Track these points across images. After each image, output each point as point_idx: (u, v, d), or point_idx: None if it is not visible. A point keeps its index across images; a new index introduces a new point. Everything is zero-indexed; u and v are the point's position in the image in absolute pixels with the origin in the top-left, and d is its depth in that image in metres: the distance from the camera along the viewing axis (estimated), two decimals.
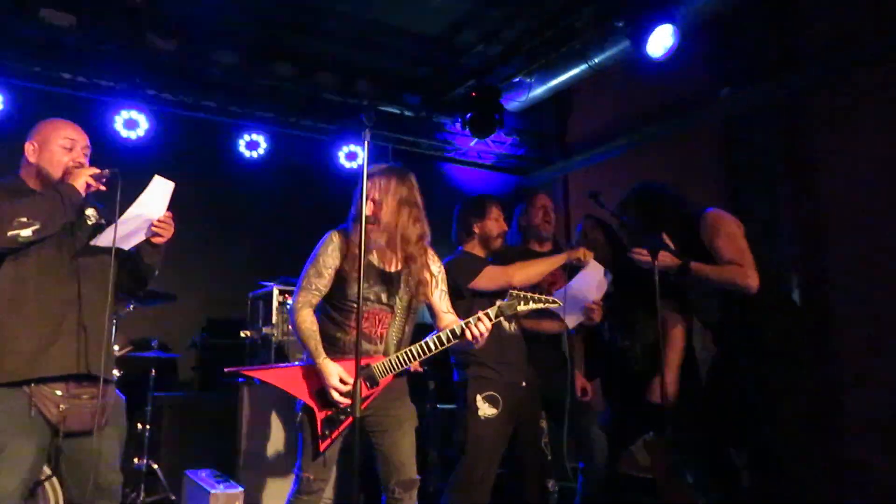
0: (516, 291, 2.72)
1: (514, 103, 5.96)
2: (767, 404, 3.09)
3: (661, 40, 4.43)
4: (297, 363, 2.76)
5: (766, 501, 3.05)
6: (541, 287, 3.67)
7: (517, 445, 3.34)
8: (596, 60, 5.12)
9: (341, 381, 2.59)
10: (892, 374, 4.01)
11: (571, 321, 3.43)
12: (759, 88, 4.67)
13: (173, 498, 4.30)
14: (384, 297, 2.74)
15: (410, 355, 2.65)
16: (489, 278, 3.29)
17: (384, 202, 2.70)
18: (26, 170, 2.53)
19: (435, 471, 4.63)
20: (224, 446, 4.48)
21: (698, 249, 3.17)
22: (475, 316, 2.62)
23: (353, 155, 5.94)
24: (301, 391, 2.68)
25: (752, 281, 3.04)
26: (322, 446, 2.65)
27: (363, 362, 2.60)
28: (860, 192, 4.21)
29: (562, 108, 6.54)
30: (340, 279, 2.70)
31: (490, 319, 2.63)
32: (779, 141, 4.63)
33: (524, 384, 3.35)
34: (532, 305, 2.70)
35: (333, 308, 2.76)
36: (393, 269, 2.77)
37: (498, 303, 2.68)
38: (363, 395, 2.56)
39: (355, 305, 2.56)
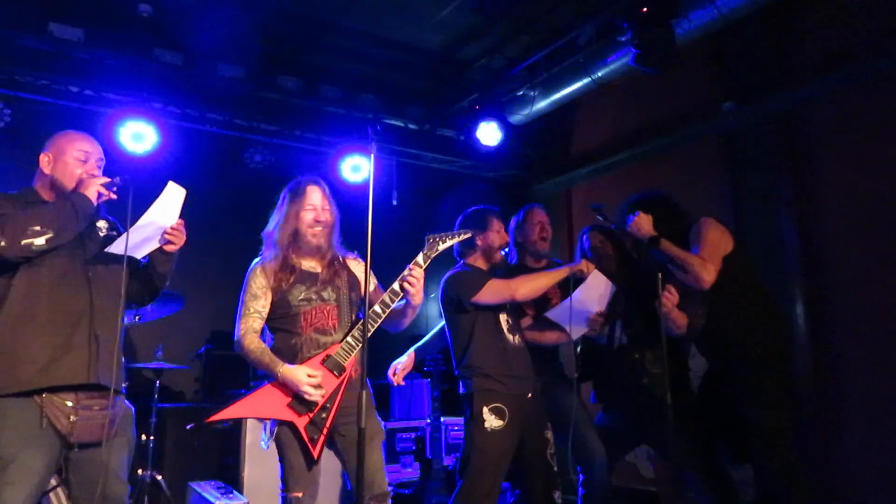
0: (430, 236, 2.91)
1: (517, 116, 5.99)
2: (755, 417, 3.11)
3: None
4: (256, 388, 2.77)
5: None
6: (524, 308, 3.68)
7: (524, 457, 3.33)
8: (599, 74, 5.15)
9: (309, 375, 2.65)
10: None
11: (575, 332, 3.44)
12: (762, 102, 4.69)
13: None
14: (325, 295, 2.85)
15: (371, 321, 2.73)
16: (492, 292, 3.31)
17: (284, 203, 2.95)
18: (41, 181, 2.57)
19: (438, 483, 4.62)
20: (228, 458, 4.49)
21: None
22: (407, 269, 2.78)
23: (357, 167, 5.97)
24: (274, 410, 2.69)
25: (707, 275, 3.13)
26: (315, 453, 2.67)
27: (324, 355, 2.73)
28: (863, 205, 4.22)
29: (565, 121, 6.57)
30: (278, 296, 2.81)
31: (420, 266, 2.80)
32: (781, 154, 4.64)
33: (530, 396, 3.36)
34: (448, 242, 2.91)
35: (281, 320, 2.83)
36: (319, 270, 2.90)
37: (420, 254, 2.85)
38: (335, 385, 2.70)
39: (301, 307, 2.77)
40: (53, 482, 2.95)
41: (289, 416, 2.69)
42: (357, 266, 3.02)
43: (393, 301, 2.77)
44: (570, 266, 3.42)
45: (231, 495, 3.82)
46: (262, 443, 2.77)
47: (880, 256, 4.11)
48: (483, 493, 3.19)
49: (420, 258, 2.84)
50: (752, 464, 3.31)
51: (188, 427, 4.40)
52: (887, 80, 4.13)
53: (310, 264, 2.90)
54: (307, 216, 2.89)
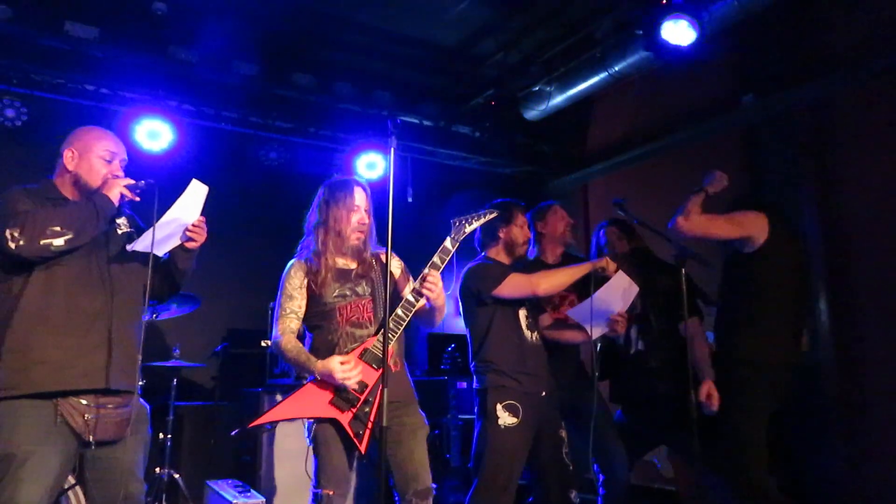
0: (456, 219, 2.86)
1: (533, 112, 5.94)
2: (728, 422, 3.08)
3: (677, 36, 4.33)
4: (297, 388, 2.75)
5: None
6: (552, 302, 3.64)
7: (539, 455, 3.30)
8: (616, 68, 5.09)
9: (342, 363, 2.63)
10: None
11: (595, 332, 3.40)
12: (783, 95, 4.61)
13: None
14: (359, 290, 2.83)
15: (398, 318, 2.71)
16: (513, 286, 3.26)
17: (329, 204, 2.88)
18: (62, 177, 2.53)
19: (455, 481, 4.59)
20: (245, 456, 4.49)
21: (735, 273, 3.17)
22: (420, 277, 2.75)
23: (372, 164, 5.94)
24: (317, 408, 2.68)
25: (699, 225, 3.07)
26: (362, 447, 2.64)
27: (360, 349, 2.72)
28: (886, 199, 4.14)
29: (581, 116, 6.51)
30: (314, 294, 2.80)
31: (438, 267, 2.77)
32: (803, 149, 4.57)
33: (544, 394, 3.32)
34: (475, 224, 2.87)
35: (318, 318, 2.81)
36: (357, 267, 2.88)
37: (447, 239, 2.81)
38: (376, 378, 2.66)
39: (336, 302, 2.77)
40: (71, 480, 2.95)
41: (332, 413, 2.67)
42: (392, 263, 2.95)
43: (416, 301, 2.74)
44: (592, 262, 3.38)
45: (248, 494, 3.81)
46: (308, 440, 2.75)
47: None
48: (498, 490, 3.16)
49: (448, 242, 2.81)
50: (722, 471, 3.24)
51: (232, 433, 4.32)
52: None
53: (344, 261, 2.88)
54: (353, 218, 2.86)
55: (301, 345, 2.76)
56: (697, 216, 3.06)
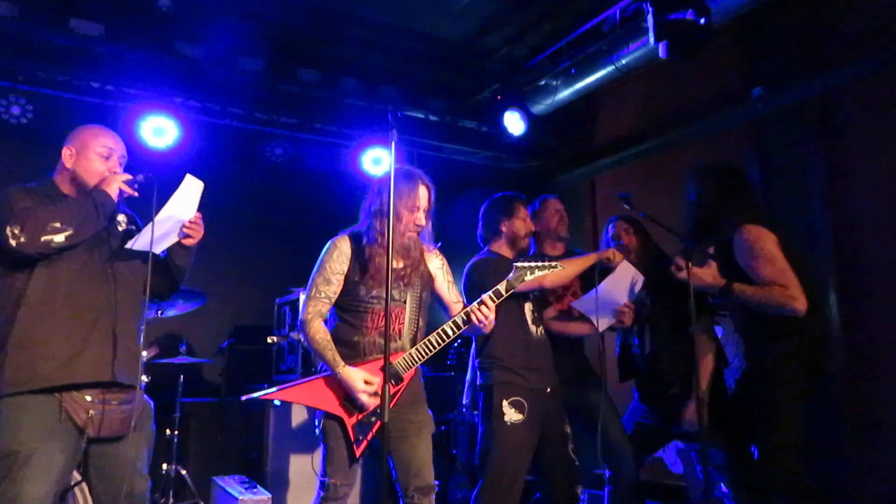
0: (521, 263, 2.81)
1: (539, 106, 5.90)
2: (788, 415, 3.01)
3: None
4: (314, 377, 2.76)
5: None
6: (556, 293, 3.61)
7: (545, 451, 3.29)
8: (623, 62, 5.04)
9: (366, 382, 2.63)
10: None
11: (602, 324, 3.37)
12: (793, 87, 4.56)
13: (201, 503, 4.32)
14: (396, 294, 2.76)
15: (429, 346, 2.71)
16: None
17: (391, 208, 2.72)
18: (61, 175, 2.55)
19: (462, 477, 4.58)
20: (252, 452, 4.49)
21: (732, 265, 3.08)
22: (478, 300, 2.71)
23: (378, 160, 5.92)
24: (326, 403, 2.69)
25: (799, 304, 2.93)
26: (358, 452, 2.67)
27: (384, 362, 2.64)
28: (893, 191, 4.09)
29: (589, 110, 6.47)
30: (351, 282, 2.74)
31: (493, 300, 2.72)
32: (813, 141, 4.51)
33: (549, 390, 3.30)
34: (538, 273, 2.83)
35: (347, 312, 2.78)
36: (400, 265, 2.78)
37: (506, 279, 2.76)
38: (390, 392, 2.59)
39: (370, 305, 2.70)
40: (77, 477, 2.95)
41: (339, 412, 2.68)
42: (433, 260, 2.94)
43: (460, 328, 2.72)
44: (597, 253, 3.35)
45: (255, 490, 3.81)
46: (317, 429, 2.78)
47: None
48: (505, 487, 3.16)
49: (503, 286, 2.76)
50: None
51: (242, 398, 4.28)
52: None
53: (393, 259, 2.80)
54: (411, 217, 2.77)
55: (329, 338, 2.71)
56: (793, 284, 2.96)
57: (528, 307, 3.36)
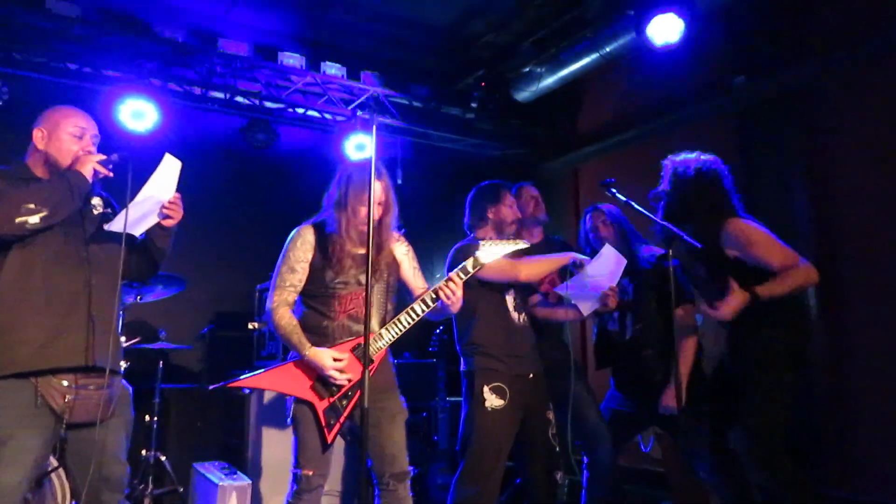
0: (484, 241, 2.85)
1: (523, 94, 5.89)
2: (767, 401, 3.04)
3: (664, 30, 4.28)
4: (283, 362, 2.76)
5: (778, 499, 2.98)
6: (532, 284, 3.61)
7: (525, 437, 3.30)
8: (607, 50, 5.05)
9: (335, 359, 2.64)
10: None
11: (586, 308, 3.38)
12: (775, 77, 4.58)
13: (181, 490, 4.30)
14: (362, 279, 2.76)
15: (399, 325, 2.73)
16: (498, 269, 3.24)
17: (348, 189, 2.78)
18: (33, 157, 2.50)
19: (442, 463, 4.60)
20: (232, 438, 4.47)
21: (724, 259, 3.10)
22: (445, 277, 2.74)
23: (361, 146, 5.88)
24: (296, 388, 2.68)
25: (814, 274, 3.01)
26: (329, 437, 2.65)
27: (354, 343, 2.71)
28: (880, 184, 4.12)
29: (573, 98, 6.46)
30: (316, 269, 2.75)
31: (461, 277, 2.75)
32: (794, 130, 4.54)
33: (532, 376, 3.31)
34: (503, 249, 2.85)
35: (314, 298, 2.78)
36: (364, 252, 2.77)
37: (473, 255, 2.80)
38: (361, 372, 2.58)
39: (337, 290, 2.73)
40: (54, 463, 2.93)
41: (309, 396, 2.68)
42: (399, 247, 2.95)
43: (433, 302, 2.74)
44: (571, 255, 3.35)
45: (235, 476, 3.79)
46: (287, 419, 2.76)
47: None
48: (485, 472, 3.17)
49: (469, 263, 2.79)
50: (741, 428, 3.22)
51: (211, 387, 4.30)
52: None
53: (355, 247, 2.81)
54: (364, 211, 2.76)
55: (296, 322, 2.72)
56: (794, 259, 3.01)
57: (509, 295, 3.36)
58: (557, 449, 3.34)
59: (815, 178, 4.44)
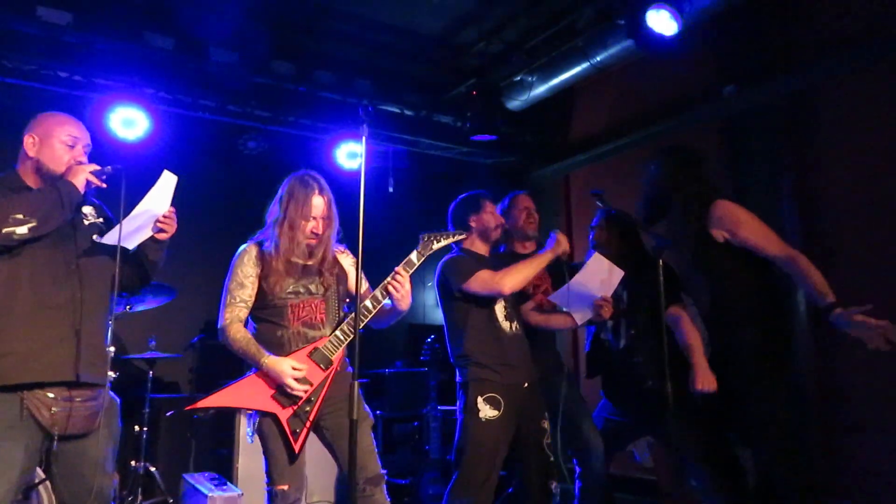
0: (425, 234, 2.90)
1: (515, 102, 5.90)
2: (754, 402, 3.02)
3: (661, 23, 4.30)
4: (241, 377, 2.73)
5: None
6: (525, 292, 3.61)
7: (519, 447, 3.30)
8: (598, 59, 5.06)
9: (294, 368, 2.63)
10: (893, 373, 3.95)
11: (580, 318, 3.38)
12: (765, 85, 4.61)
13: (171, 501, 4.27)
14: (313, 289, 2.81)
15: (351, 325, 2.72)
16: (481, 283, 3.25)
17: (288, 205, 2.83)
18: (24, 164, 2.47)
19: (434, 472, 4.58)
20: (222, 449, 4.44)
21: (705, 238, 3.09)
22: (392, 273, 2.76)
23: (353, 154, 5.88)
24: (256, 401, 2.66)
25: (804, 257, 2.92)
26: (296, 446, 2.63)
27: (311, 348, 2.71)
28: (869, 193, 4.14)
29: (564, 106, 6.48)
30: (265, 284, 2.77)
31: (406, 271, 2.79)
32: (783, 139, 4.57)
33: (526, 385, 3.31)
34: (443, 242, 2.94)
35: (265, 310, 2.78)
36: (311, 262, 2.85)
37: (415, 249, 2.85)
38: (321, 378, 2.67)
39: (288, 300, 2.74)
40: (41, 475, 2.89)
41: (272, 407, 2.65)
42: (345, 259, 2.99)
43: (381, 300, 2.77)
44: (549, 249, 3.34)
45: (225, 487, 3.77)
46: (248, 437, 2.74)
47: (886, 245, 4.04)
48: (478, 483, 3.16)
49: (413, 256, 2.84)
50: (751, 449, 3.23)
51: (168, 414, 4.35)
52: (888, 63, 4.04)
53: (298, 259, 2.85)
54: (307, 226, 2.82)
55: (250, 336, 2.73)
56: (777, 240, 2.98)
57: (499, 305, 3.36)
58: (552, 458, 3.34)
59: (805, 187, 4.46)
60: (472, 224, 3.44)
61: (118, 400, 2.54)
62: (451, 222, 3.53)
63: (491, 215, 3.47)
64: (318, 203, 2.84)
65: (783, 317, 3.16)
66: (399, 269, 2.78)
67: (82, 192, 2.39)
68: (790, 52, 4.56)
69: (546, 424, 3.36)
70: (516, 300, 3.51)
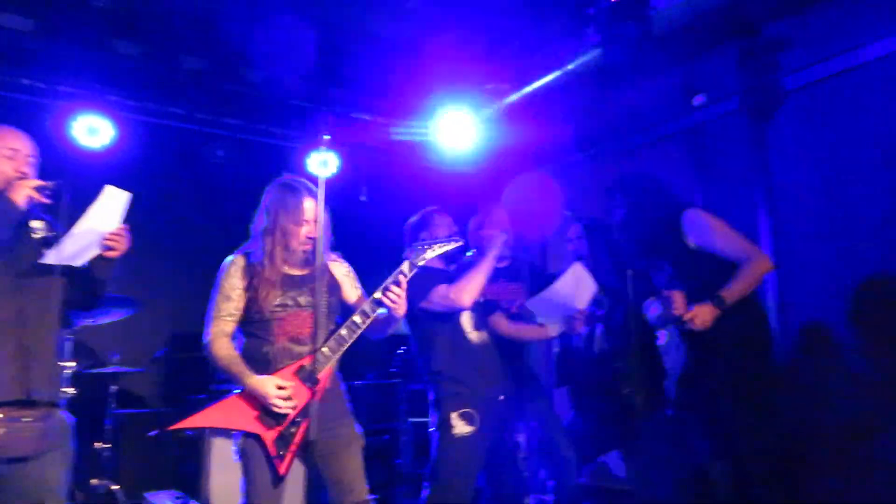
0: (417, 244, 2.80)
1: (486, 110, 5.88)
2: (736, 411, 3.02)
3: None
4: (225, 397, 2.65)
5: None
6: (498, 303, 3.57)
7: (494, 461, 3.27)
8: (569, 67, 5.06)
9: (279, 387, 2.53)
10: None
11: (553, 329, 3.36)
12: (735, 96, 4.64)
13: None
14: (301, 300, 2.70)
15: (341, 339, 2.63)
16: (440, 298, 3.22)
17: (278, 212, 2.73)
18: None
19: (406, 486, 4.52)
20: (190, 466, 4.33)
21: (680, 247, 3.11)
22: (382, 286, 2.67)
23: (325, 162, 5.80)
24: (241, 421, 2.57)
25: (767, 262, 3.09)
26: (282, 468, 2.54)
27: (297, 366, 2.60)
28: (838, 204, 4.18)
29: (533, 116, 6.46)
30: (252, 298, 2.67)
31: (402, 280, 2.68)
32: (754, 150, 4.60)
33: (502, 398, 3.28)
34: (437, 250, 2.80)
35: (252, 324, 2.69)
36: (300, 273, 2.76)
37: (407, 259, 2.74)
38: (308, 397, 2.54)
39: (275, 314, 2.63)
40: None
41: (256, 428, 2.56)
42: (338, 268, 2.91)
43: (373, 312, 2.67)
44: (493, 250, 3.31)
45: None
46: (234, 455, 2.64)
47: (850, 256, 4.07)
48: (452, 499, 3.11)
49: (405, 267, 2.73)
50: (724, 461, 3.22)
51: (151, 434, 4.23)
52: (862, 73, 4.09)
53: (290, 269, 2.76)
54: (301, 231, 2.74)
55: (236, 353, 2.64)
56: (757, 252, 3.07)
57: (465, 315, 3.32)
58: (526, 473, 3.32)
59: (773, 197, 4.49)
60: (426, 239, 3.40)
61: (72, 420, 2.44)
62: (406, 243, 3.48)
63: (441, 227, 3.44)
64: (310, 206, 2.76)
65: (762, 310, 3.18)
66: (389, 283, 2.68)
67: (23, 207, 2.30)
68: (762, 63, 4.55)
69: (521, 438, 3.35)
70: (483, 308, 3.47)
